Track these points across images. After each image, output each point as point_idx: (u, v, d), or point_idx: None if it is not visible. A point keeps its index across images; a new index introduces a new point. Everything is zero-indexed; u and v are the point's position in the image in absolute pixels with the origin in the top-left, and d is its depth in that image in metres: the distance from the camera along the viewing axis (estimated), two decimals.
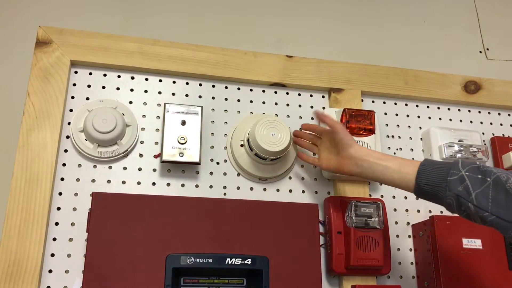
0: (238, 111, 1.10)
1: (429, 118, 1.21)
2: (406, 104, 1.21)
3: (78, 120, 0.98)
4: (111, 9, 1.55)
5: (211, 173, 1.03)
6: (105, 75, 1.05)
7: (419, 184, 0.80)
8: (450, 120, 1.22)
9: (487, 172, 0.74)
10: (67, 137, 0.99)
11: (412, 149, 1.17)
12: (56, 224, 0.93)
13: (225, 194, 1.02)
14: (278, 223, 0.90)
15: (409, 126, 1.19)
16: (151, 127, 1.04)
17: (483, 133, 1.21)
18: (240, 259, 0.86)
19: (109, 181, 0.98)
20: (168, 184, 1.01)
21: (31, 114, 0.96)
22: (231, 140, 1.06)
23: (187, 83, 1.09)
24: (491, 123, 1.25)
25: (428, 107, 1.22)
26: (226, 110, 1.09)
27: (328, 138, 0.98)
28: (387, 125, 1.18)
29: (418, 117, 1.21)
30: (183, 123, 0.99)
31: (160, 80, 1.08)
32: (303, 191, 1.07)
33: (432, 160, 0.83)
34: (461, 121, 1.23)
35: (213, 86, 1.11)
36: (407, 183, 0.83)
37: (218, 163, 1.05)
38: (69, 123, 0.99)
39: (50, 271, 0.90)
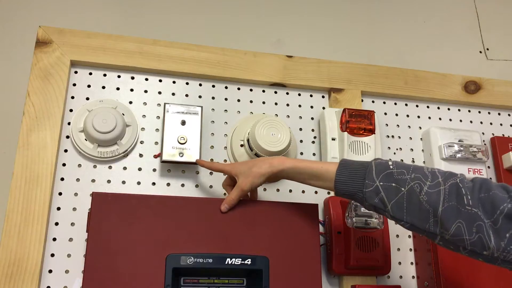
0: (238, 111, 1.10)
1: (429, 118, 1.21)
2: (406, 104, 1.21)
3: (78, 120, 0.98)
4: (111, 9, 1.55)
5: (211, 173, 1.03)
6: (105, 75, 1.05)
7: (339, 191, 0.80)
8: (450, 120, 1.22)
9: (401, 181, 0.74)
10: (67, 137, 0.99)
11: (412, 149, 1.17)
12: (56, 224, 0.93)
13: (225, 194, 1.02)
14: (278, 223, 0.90)
15: (409, 126, 1.19)
16: (151, 127, 1.04)
17: (483, 133, 1.21)
18: (240, 259, 0.86)
19: (109, 181, 0.98)
20: (168, 184, 1.01)
21: (31, 114, 0.96)
22: (231, 140, 1.06)
23: (187, 83, 1.09)
24: (491, 123, 1.25)
25: (428, 107, 1.22)
26: (226, 110, 1.09)
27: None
28: (387, 125, 1.18)
29: (418, 117, 1.21)
30: (183, 123, 0.99)
31: (160, 80, 1.08)
32: (303, 191, 1.07)
33: (348, 164, 0.81)
34: (461, 121, 1.23)
35: (213, 86, 1.11)
36: (328, 183, 0.82)
37: None
38: (69, 123, 0.99)
39: (50, 271, 0.90)
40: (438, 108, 1.23)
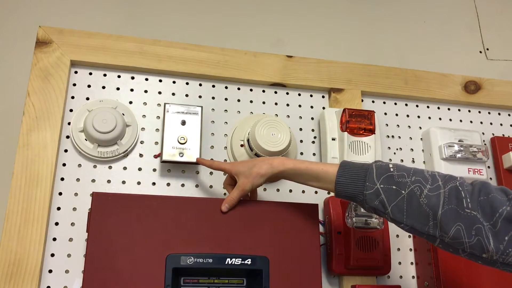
0: (238, 111, 1.10)
1: (429, 118, 1.21)
2: (406, 104, 1.21)
3: (78, 120, 0.98)
4: (111, 9, 1.55)
5: (211, 173, 1.03)
6: (105, 75, 1.05)
7: (339, 193, 0.80)
8: (450, 120, 1.22)
9: (401, 184, 0.74)
10: (67, 137, 0.99)
11: (412, 149, 1.17)
12: (56, 224, 0.93)
13: (225, 194, 1.02)
14: (278, 223, 0.90)
15: (409, 126, 1.19)
16: (151, 127, 1.04)
17: (483, 133, 1.21)
18: (240, 259, 0.86)
19: (109, 181, 0.98)
20: (168, 184, 1.01)
21: (31, 114, 0.96)
22: (231, 140, 1.06)
23: (187, 83, 1.09)
24: (491, 123, 1.25)
25: (428, 107, 1.22)
26: (226, 110, 1.09)
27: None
28: (387, 125, 1.18)
29: (418, 117, 1.21)
30: (183, 123, 0.99)
31: (160, 80, 1.08)
32: (303, 191, 1.07)
33: (348, 166, 0.81)
34: (461, 121, 1.23)
35: (213, 86, 1.11)
36: (328, 184, 0.82)
37: None
38: (69, 123, 0.99)
39: (50, 271, 0.90)
40: (438, 108, 1.23)
